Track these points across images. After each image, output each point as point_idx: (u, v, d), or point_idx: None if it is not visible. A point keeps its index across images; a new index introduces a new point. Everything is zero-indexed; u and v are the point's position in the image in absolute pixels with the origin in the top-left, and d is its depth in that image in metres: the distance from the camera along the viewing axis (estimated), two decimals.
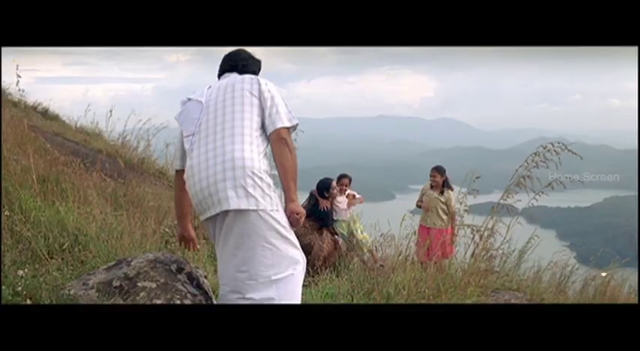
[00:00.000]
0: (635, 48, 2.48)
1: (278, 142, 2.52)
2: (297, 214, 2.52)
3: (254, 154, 2.47)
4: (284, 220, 2.50)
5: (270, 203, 2.45)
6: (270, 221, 2.44)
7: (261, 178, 2.44)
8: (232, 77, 2.77)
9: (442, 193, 6.01)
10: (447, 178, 6.07)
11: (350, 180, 5.81)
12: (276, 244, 2.44)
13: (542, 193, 3.85)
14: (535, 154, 3.82)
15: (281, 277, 2.45)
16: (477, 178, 4.04)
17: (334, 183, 5.51)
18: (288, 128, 2.57)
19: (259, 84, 2.65)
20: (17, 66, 4.88)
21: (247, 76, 2.73)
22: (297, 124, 2.62)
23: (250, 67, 2.90)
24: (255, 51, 2.96)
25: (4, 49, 2.96)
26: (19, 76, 4.86)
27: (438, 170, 6.10)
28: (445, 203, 5.98)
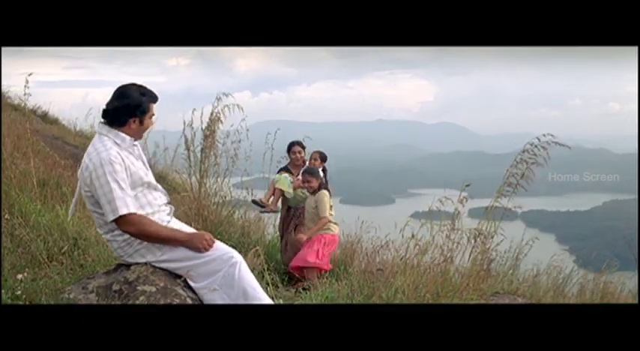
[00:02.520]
0: (635, 48, 2.48)
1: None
2: (197, 247, 2.71)
3: (115, 243, 2.76)
4: (175, 255, 2.74)
5: (152, 257, 2.75)
6: (166, 267, 2.77)
7: (128, 254, 2.75)
8: (89, 149, 2.67)
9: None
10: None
11: (302, 147, 5.42)
12: (194, 271, 2.73)
13: (541, 195, 3.81)
14: (523, 151, 3.73)
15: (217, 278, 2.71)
16: (467, 185, 3.95)
17: (294, 148, 5.49)
18: (122, 216, 2.55)
19: (87, 173, 2.59)
20: (28, 76, 4.76)
21: (86, 161, 2.63)
22: (123, 215, 2.54)
23: (122, 112, 2.66)
24: (255, 51, 2.93)
25: (4, 49, 2.95)
26: (27, 82, 4.78)
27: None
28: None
